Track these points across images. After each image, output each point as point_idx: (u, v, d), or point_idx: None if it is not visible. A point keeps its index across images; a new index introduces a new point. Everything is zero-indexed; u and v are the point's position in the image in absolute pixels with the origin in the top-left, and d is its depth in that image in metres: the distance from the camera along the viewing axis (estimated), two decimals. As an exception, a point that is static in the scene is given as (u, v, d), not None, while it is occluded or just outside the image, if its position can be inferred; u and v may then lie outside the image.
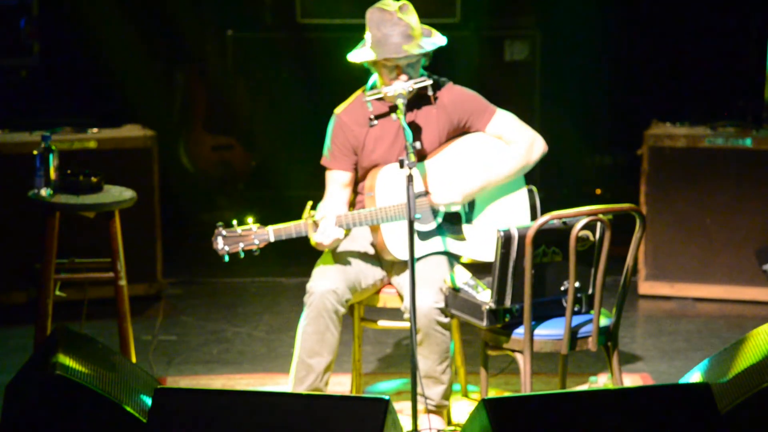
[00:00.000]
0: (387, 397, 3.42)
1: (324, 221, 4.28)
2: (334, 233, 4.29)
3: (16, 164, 5.86)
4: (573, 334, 4.14)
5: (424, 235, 4.47)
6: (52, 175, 4.82)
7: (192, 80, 8.05)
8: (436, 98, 4.48)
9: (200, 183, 7.92)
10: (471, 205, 4.54)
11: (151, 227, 6.28)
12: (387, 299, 4.60)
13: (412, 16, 4.40)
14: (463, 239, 4.51)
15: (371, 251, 4.57)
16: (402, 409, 4.49)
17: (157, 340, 5.71)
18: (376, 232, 4.46)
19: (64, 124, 6.22)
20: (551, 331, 4.15)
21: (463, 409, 4.77)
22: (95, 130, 6.23)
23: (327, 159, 4.54)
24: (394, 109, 4.40)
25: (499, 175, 4.51)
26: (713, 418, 3.47)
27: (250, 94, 8.03)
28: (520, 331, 4.13)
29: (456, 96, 4.53)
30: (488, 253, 4.41)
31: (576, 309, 4.17)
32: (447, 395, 4.46)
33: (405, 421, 4.01)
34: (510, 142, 4.54)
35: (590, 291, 4.19)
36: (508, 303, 4.10)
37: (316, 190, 4.63)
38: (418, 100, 4.49)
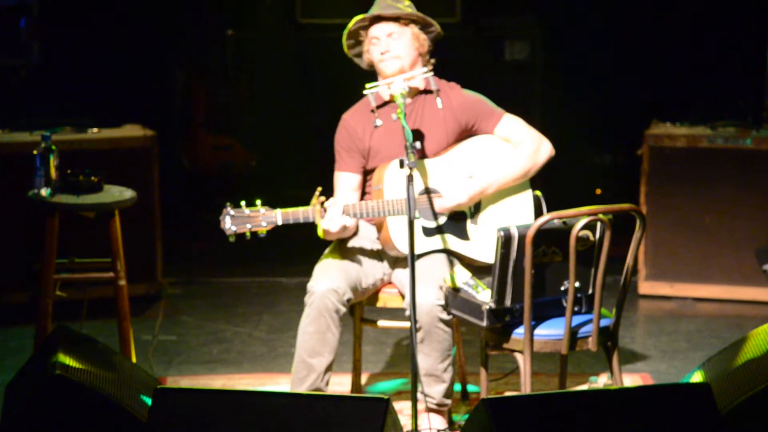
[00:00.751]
0: (387, 397, 3.42)
1: (332, 208, 4.28)
2: (341, 220, 4.29)
3: (16, 164, 5.86)
4: (573, 334, 4.14)
5: (429, 232, 4.47)
6: (52, 175, 4.82)
7: (192, 80, 8.05)
8: (442, 103, 4.50)
9: (200, 183, 7.93)
10: (477, 206, 4.54)
11: (151, 227, 6.28)
12: (387, 299, 4.60)
13: (408, 5, 4.46)
14: (467, 239, 4.51)
15: (372, 251, 4.57)
16: (402, 409, 4.49)
17: (157, 340, 5.71)
18: (382, 227, 4.46)
19: (64, 124, 6.22)
20: (551, 331, 4.15)
21: (463, 409, 4.77)
22: (95, 130, 6.23)
23: (336, 162, 4.56)
24: (391, 100, 4.42)
25: (506, 176, 4.51)
26: (713, 418, 3.48)
27: (250, 94, 8.04)
28: (520, 331, 4.13)
29: (463, 99, 4.54)
30: (491, 255, 4.42)
31: (576, 309, 4.17)
32: (448, 394, 4.46)
33: (405, 421, 4.01)
34: (517, 144, 4.54)
35: (590, 291, 4.19)
36: (508, 303, 4.10)
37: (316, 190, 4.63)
38: (424, 103, 4.51)
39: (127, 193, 4.93)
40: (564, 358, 4.45)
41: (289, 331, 5.76)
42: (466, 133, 4.56)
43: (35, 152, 4.84)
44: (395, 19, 4.46)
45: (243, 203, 4.28)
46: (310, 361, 4.40)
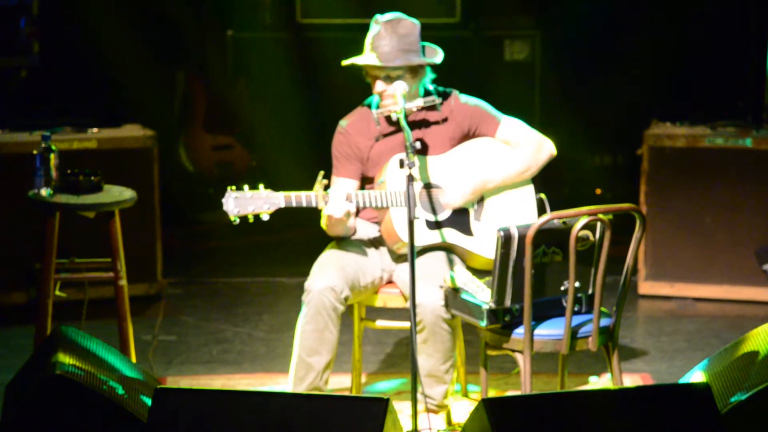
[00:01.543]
0: (387, 397, 3.42)
1: (334, 194, 4.27)
2: (344, 206, 4.28)
3: (16, 164, 5.85)
4: (573, 334, 4.14)
5: (432, 225, 4.47)
6: (52, 175, 4.82)
7: (192, 80, 8.05)
8: (444, 118, 4.50)
9: (200, 183, 7.93)
10: (479, 202, 4.55)
11: (151, 227, 6.28)
12: (387, 299, 4.60)
13: (407, 32, 4.41)
14: (470, 234, 4.51)
15: (371, 248, 4.57)
16: (402, 409, 4.49)
17: (157, 340, 5.71)
18: (385, 220, 4.45)
19: (64, 124, 6.22)
20: (551, 331, 4.14)
21: (463, 409, 4.77)
22: (95, 130, 6.23)
23: (333, 167, 4.55)
24: (399, 126, 4.40)
25: (507, 172, 4.52)
26: (713, 418, 3.47)
27: (250, 94, 8.04)
28: (520, 331, 4.12)
29: (463, 106, 4.55)
30: (493, 250, 4.41)
31: (576, 309, 4.17)
32: (449, 395, 4.46)
33: (405, 421, 4.01)
34: (518, 145, 4.55)
35: (590, 291, 4.19)
36: (508, 303, 4.10)
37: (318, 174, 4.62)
38: (426, 113, 4.51)
39: (127, 193, 4.93)
40: (564, 358, 4.45)
41: (288, 330, 5.74)
42: (468, 139, 4.57)
43: (35, 152, 4.84)
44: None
45: (246, 186, 4.27)
46: (309, 360, 4.40)
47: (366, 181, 4.57)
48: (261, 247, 7.13)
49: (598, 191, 7.90)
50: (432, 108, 4.51)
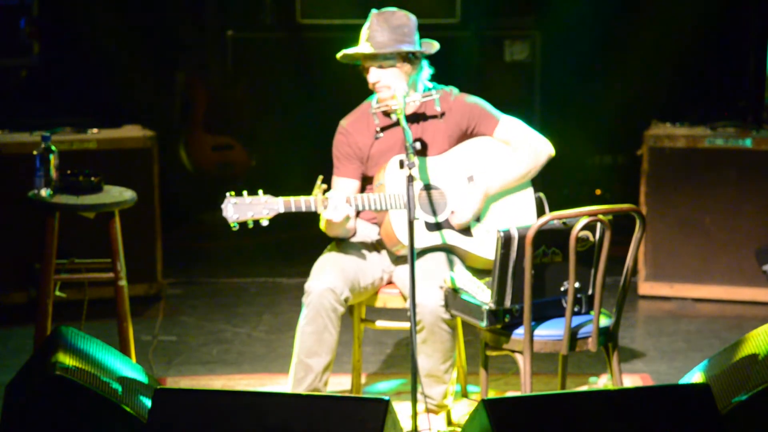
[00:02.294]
0: (387, 397, 3.42)
1: (333, 198, 4.27)
2: (343, 210, 4.28)
3: (16, 164, 5.86)
4: (573, 335, 4.14)
5: (431, 227, 4.47)
6: (52, 175, 4.82)
7: (192, 80, 8.05)
8: (443, 114, 4.50)
9: (200, 183, 7.93)
10: None
11: (151, 227, 6.28)
12: (387, 299, 4.60)
13: (401, 23, 4.41)
14: (470, 235, 4.52)
15: (371, 249, 4.57)
16: (402, 409, 4.49)
17: (157, 340, 5.72)
18: (384, 222, 4.45)
19: (64, 124, 6.23)
20: (551, 331, 4.14)
21: (463, 409, 4.77)
22: (95, 130, 6.23)
23: (334, 167, 4.55)
24: (398, 122, 4.41)
25: (507, 178, 4.52)
26: (713, 418, 3.47)
27: (250, 94, 8.04)
28: (520, 332, 4.12)
29: (462, 104, 4.54)
30: (492, 252, 4.42)
31: (576, 309, 4.17)
32: (448, 395, 4.46)
33: (405, 421, 4.01)
34: (517, 147, 4.55)
35: (590, 291, 4.19)
36: (508, 303, 4.10)
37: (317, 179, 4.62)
38: (424, 111, 4.51)
39: (127, 194, 4.93)
40: (564, 358, 4.44)
41: (288, 331, 5.75)
42: (467, 137, 4.57)
43: (35, 152, 4.84)
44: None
45: (245, 192, 4.27)
46: (308, 362, 4.39)
47: (367, 181, 4.57)
48: (261, 247, 7.13)
49: (598, 191, 7.90)
50: (430, 102, 4.50)
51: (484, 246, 4.51)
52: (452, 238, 4.49)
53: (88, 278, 4.99)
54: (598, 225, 4.11)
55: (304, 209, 4.28)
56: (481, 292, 4.16)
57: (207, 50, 8.13)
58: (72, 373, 3.64)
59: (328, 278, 4.38)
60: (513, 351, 4.16)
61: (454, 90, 4.58)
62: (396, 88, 4.41)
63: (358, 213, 4.57)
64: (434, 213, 4.47)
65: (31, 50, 7.64)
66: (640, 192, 6.28)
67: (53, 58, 7.69)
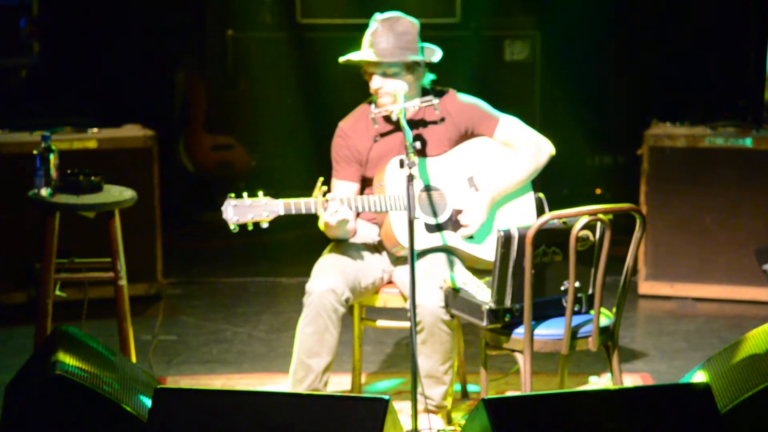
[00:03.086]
0: (387, 397, 3.42)
1: (333, 201, 4.27)
2: (343, 213, 4.28)
3: (16, 164, 5.85)
4: (573, 334, 4.14)
5: (431, 228, 4.47)
6: (52, 175, 4.82)
7: (192, 80, 8.05)
8: (442, 118, 4.50)
9: (200, 183, 7.93)
10: None
11: (151, 227, 6.28)
12: (387, 299, 4.60)
13: (405, 30, 4.40)
14: (470, 236, 4.51)
15: (371, 250, 4.57)
16: (402, 409, 4.49)
17: (157, 340, 5.71)
18: (384, 223, 4.45)
19: (64, 124, 6.22)
20: (551, 331, 4.14)
21: (463, 409, 4.77)
22: (95, 130, 6.23)
23: (333, 169, 4.55)
24: (398, 125, 4.40)
25: (510, 181, 4.52)
26: (713, 418, 3.47)
27: (250, 94, 8.04)
28: (520, 331, 4.12)
29: (461, 105, 4.54)
30: (492, 253, 4.42)
31: (576, 309, 4.17)
32: (448, 395, 4.46)
33: (405, 421, 4.01)
34: (518, 148, 4.55)
35: (590, 291, 4.19)
36: (508, 303, 4.10)
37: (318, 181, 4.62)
38: (424, 113, 4.51)
39: (127, 193, 4.93)
40: (564, 358, 4.44)
41: (288, 331, 5.75)
42: (466, 138, 4.57)
43: (35, 152, 4.84)
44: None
45: (245, 194, 4.27)
46: (309, 362, 4.39)
47: (366, 183, 4.57)
48: (261, 247, 7.13)
49: (598, 191, 7.90)
50: (430, 107, 4.50)
51: (484, 248, 4.51)
52: (452, 239, 4.49)
53: (88, 278, 4.99)
54: (598, 224, 4.11)
55: (304, 211, 4.28)
56: (481, 292, 4.16)
57: (207, 50, 8.13)
58: (72, 373, 3.63)
59: (329, 279, 4.37)
60: (513, 350, 4.16)
61: (453, 91, 4.58)
62: (397, 92, 4.41)
63: (358, 214, 4.57)
64: (434, 214, 4.47)
65: (31, 50, 7.65)
66: (640, 191, 6.28)
67: (53, 58, 7.69)
